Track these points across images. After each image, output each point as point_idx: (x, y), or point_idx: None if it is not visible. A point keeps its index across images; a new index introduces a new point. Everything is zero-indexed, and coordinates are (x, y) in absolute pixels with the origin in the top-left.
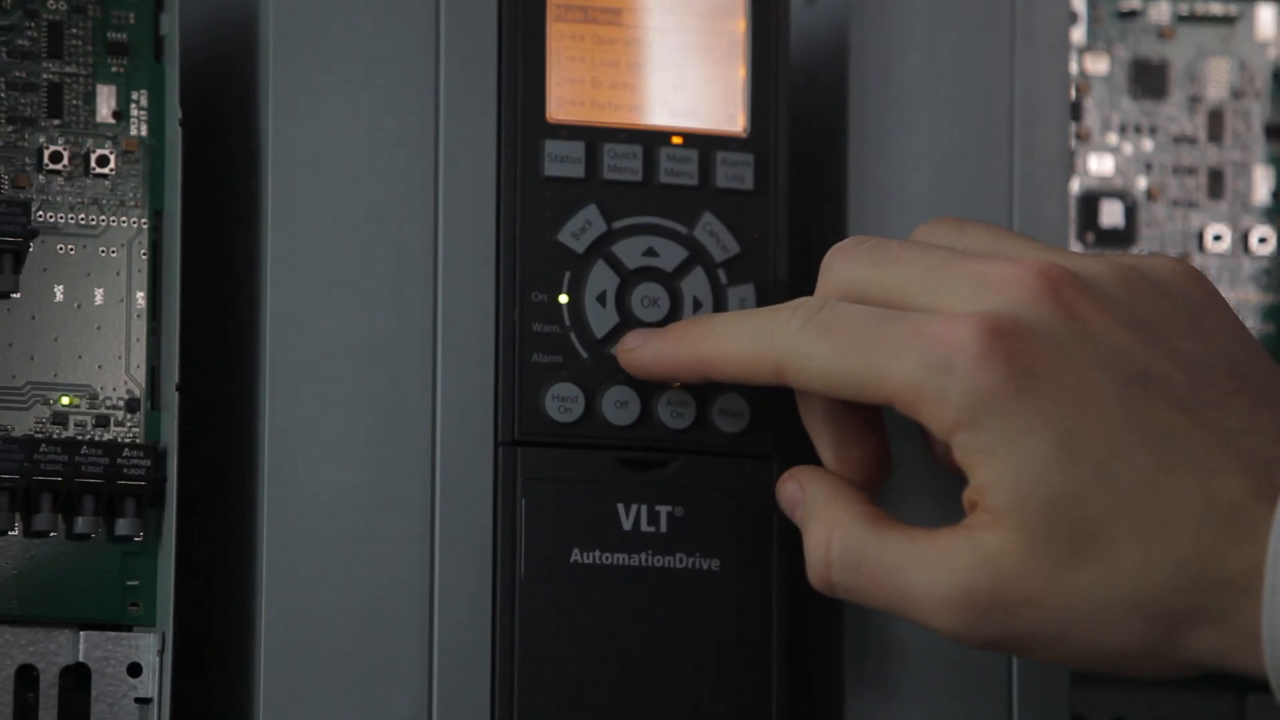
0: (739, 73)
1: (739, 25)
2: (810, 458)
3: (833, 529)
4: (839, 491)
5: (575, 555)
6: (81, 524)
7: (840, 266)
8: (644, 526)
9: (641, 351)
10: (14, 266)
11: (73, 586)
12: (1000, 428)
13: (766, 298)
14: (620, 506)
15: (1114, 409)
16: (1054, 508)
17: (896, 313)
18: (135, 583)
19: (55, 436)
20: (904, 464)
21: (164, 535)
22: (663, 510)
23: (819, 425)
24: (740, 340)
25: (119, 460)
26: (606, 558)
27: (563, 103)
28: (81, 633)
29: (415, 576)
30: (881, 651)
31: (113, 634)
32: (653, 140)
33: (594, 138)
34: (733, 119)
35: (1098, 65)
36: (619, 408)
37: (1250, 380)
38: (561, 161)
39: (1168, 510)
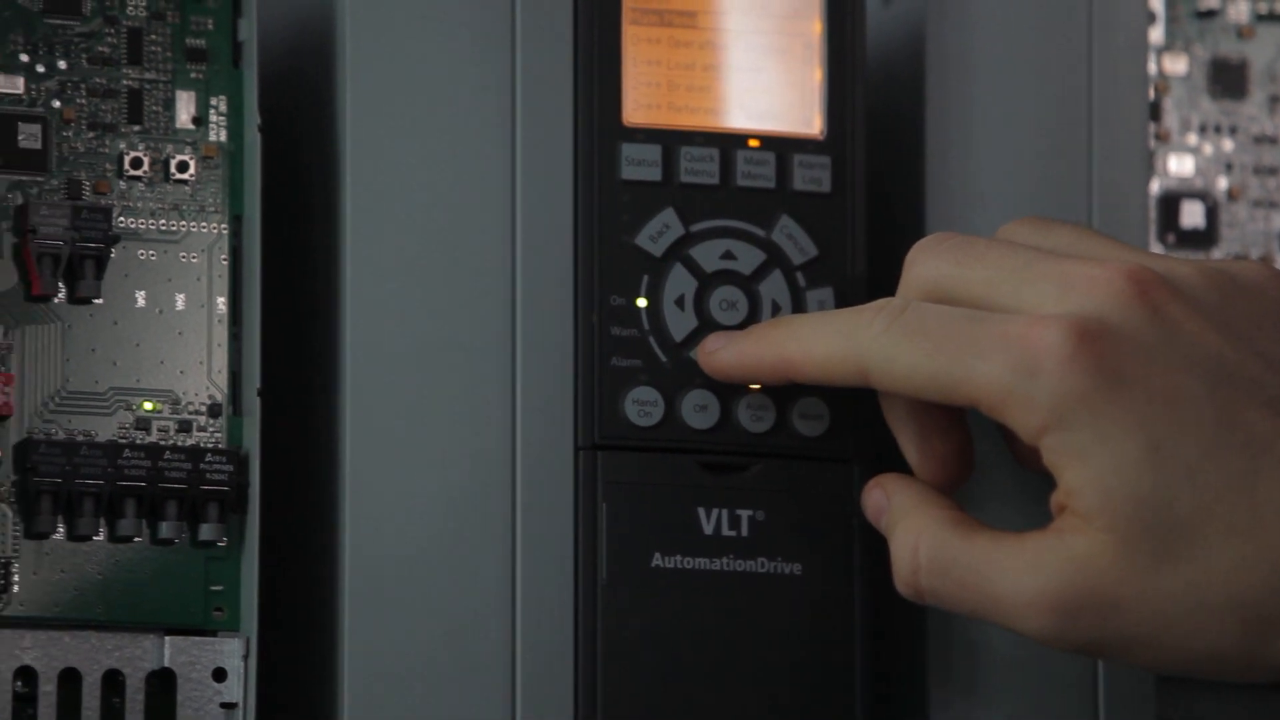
0: (815, 75)
1: (815, 27)
2: (892, 460)
3: (919, 535)
4: (925, 497)
5: (656, 559)
6: (165, 529)
7: (924, 263)
8: (725, 531)
9: (723, 354)
10: (96, 273)
11: (157, 592)
12: (1089, 430)
13: (845, 300)
14: (701, 510)
15: (1204, 410)
16: (1145, 510)
17: (982, 314)
18: (219, 588)
19: (138, 442)
20: (986, 467)
21: (247, 540)
22: (743, 514)
23: (902, 423)
24: (824, 342)
25: (202, 465)
26: (687, 562)
27: (639, 106)
28: (167, 638)
29: (497, 581)
30: (966, 654)
31: (197, 639)
32: (730, 143)
33: (671, 141)
34: (809, 121)
35: (1176, 65)
36: (699, 411)
37: None
38: (638, 165)
39: (1260, 511)
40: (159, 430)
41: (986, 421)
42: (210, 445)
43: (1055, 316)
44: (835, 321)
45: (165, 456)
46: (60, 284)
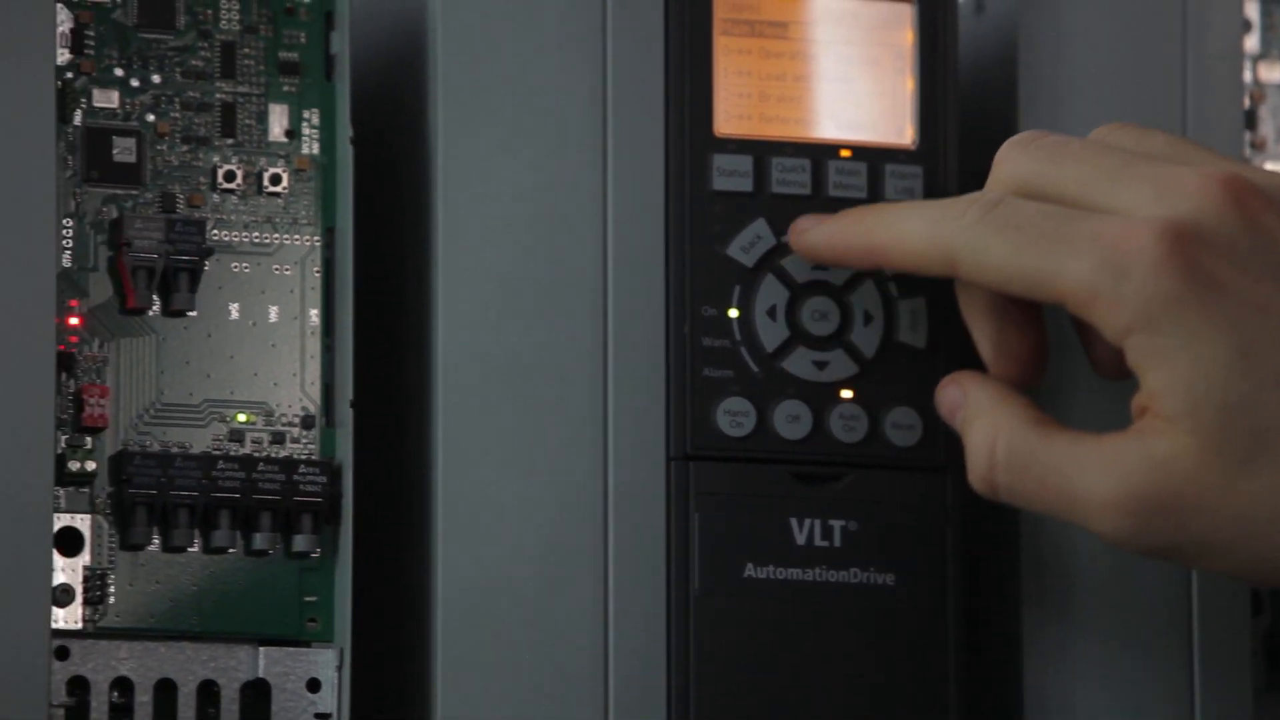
0: (907, 84)
1: (907, 37)
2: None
3: (998, 431)
4: (1003, 394)
5: (749, 570)
6: (259, 540)
7: (1015, 160)
8: (817, 541)
9: (813, 234)
10: (190, 285)
11: (251, 603)
12: (1177, 333)
13: (937, 311)
14: (793, 521)
15: None
16: (1229, 414)
17: (1075, 212)
18: (313, 599)
19: (232, 454)
20: (1063, 374)
21: (340, 551)
22: (836, 524)
23: (980, 317)
24: (915, 229)
25: (295, 476)
26: (780, 572)
27: (730, 117)
28: (261, 649)
29: (589, 592)
30: (1059, 578)
31: (292, 649)
32: (821, 153)
33: (762, 151)
34: (901, 131)
35: (1272, 74)
36: (791, 422)
37: None
38: (730, 175)
39: None
40: (253, 442)
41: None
42: (303, 457)
43: (1149, 219)
44: (928, 210)
45: (259, 468)
46: (155, 297)
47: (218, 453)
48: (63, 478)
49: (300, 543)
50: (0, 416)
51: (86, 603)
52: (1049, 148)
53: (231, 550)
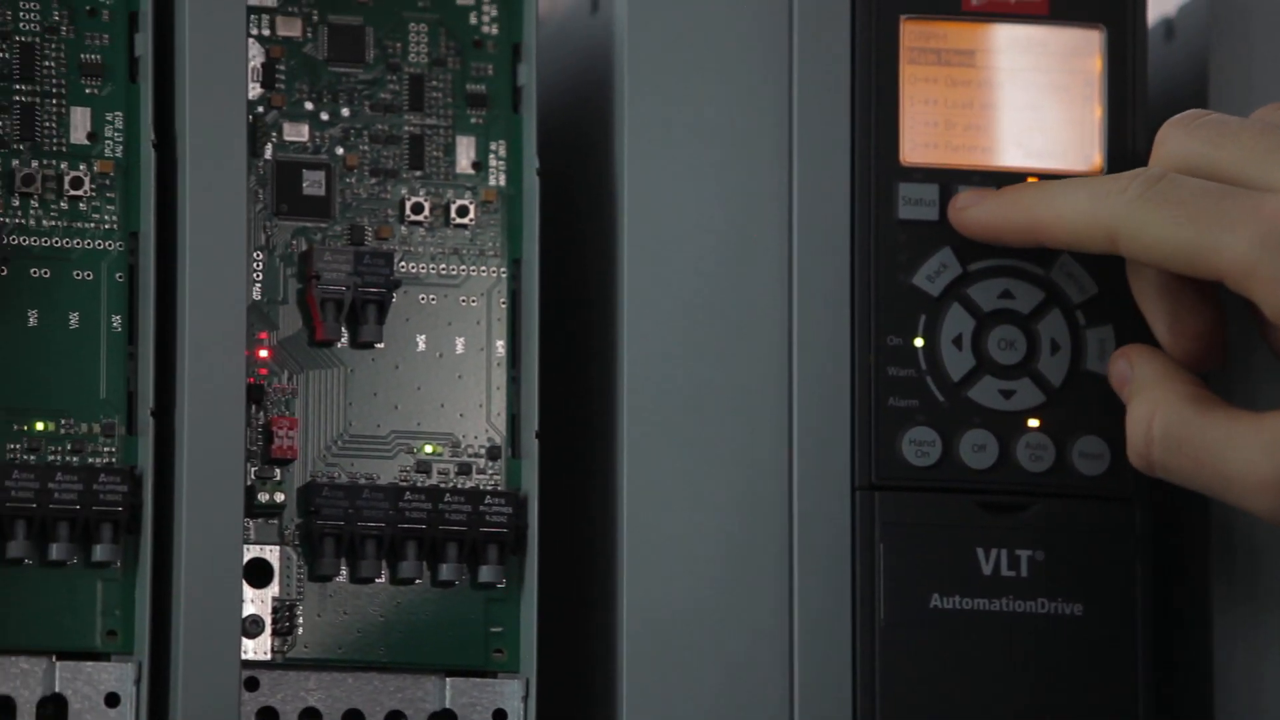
0: (1095, 112)
1: (1095, 64)
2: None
3: (1156, 407)
4: (1167, 370)
5: (935, 600)
6: (446, 571)
7: (1177, 140)
8: (1004, 571)
9: (974, 211)
10: (378, 317)
11: (438, 633)
12: None
13: (1126, 339)
14: (980, 551)
15: None
16: None
17: (1236, 189)
18: (499, 629)
19: (419, 485)
20: (1239, 351)
21: (526, 582)
22: (1023, 554)
23: (1153, 296)
24: (1076, 204)
25: (481, 508)
26: (966, 603)
27: (916, 145)
28: (447, 679)
29: (775, 622)
30: (1249, 556)
31: (478, 680)
32: (1008, 181)
33: (948, 180)
34: (1089, 159)
35: None
36: (977, 451)
37: None
38: (916, 204)
39: None
40: (439, 473)
41: (1238, 306)
42: (490, 488)
43: None
44: (1089, 186)
45: (445, 499)
46: (343, 329)
47: (404, 484)
48: (252, 509)
49: (486, 573)
50: (191, 448)
51: (275, 634)
52: (1209, 126)
53: (418, 581)
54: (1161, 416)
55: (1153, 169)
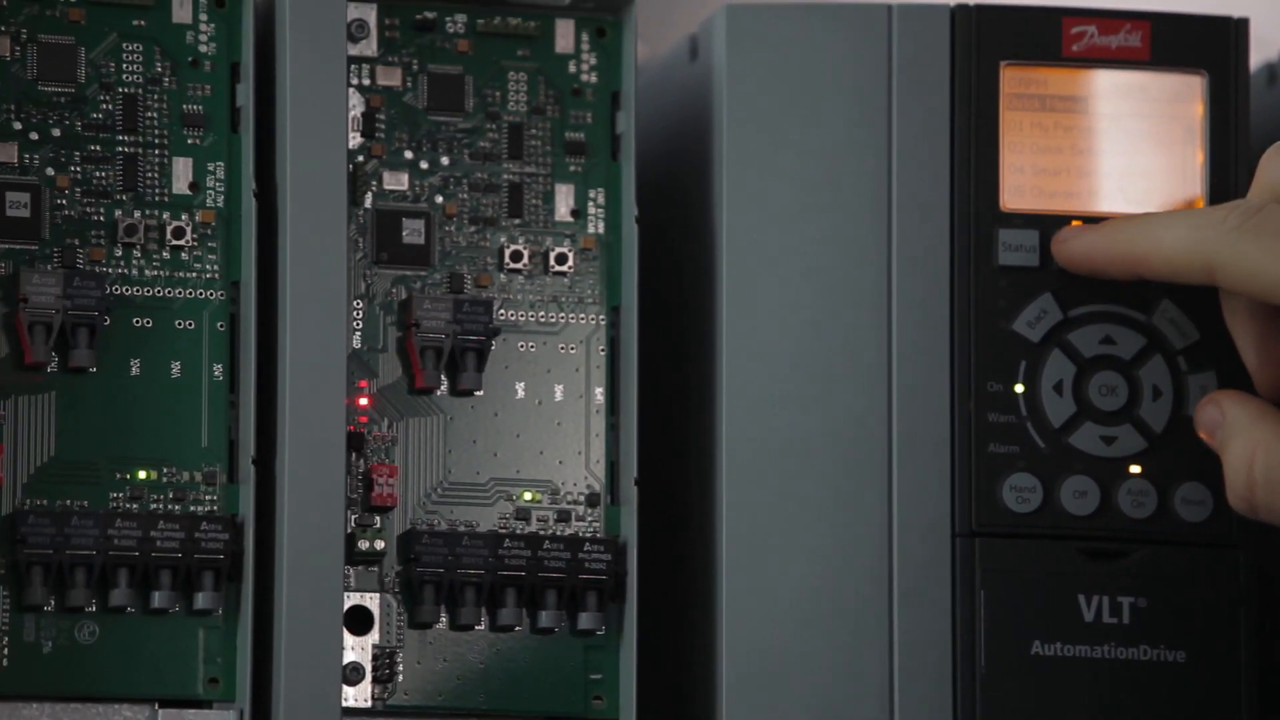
0: (1197, 157)
1: (1197, 109)
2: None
3: (1255, 449)
4: (1262, 412)
5: (1036, 647)
6: (545, 618)
7: (1277, 168)
8: (1106, 618)
9: (1074, 243)
10: (477, 365)
11: (537, 680)
12: None
13: (1228, 385)
14: (1081, 597)
15: None
16: None
17: None
18: (598, 676)
19: (518, 532)
20: None
21: (625, 629)
22: (1125, 601)
23: (1245, 326)
24: (1175, 236)
25: (580, 554)
26: (1068, 650)
27: (1016, 191)
28: None
29: (875, 668)
30: None
31: None
32: None
33: (1048, 226)
34: (1190, 204)
35: None
36: (1078, 498)
37: None
38: (1016, 250)
39: None
40: (538, 520)
41: None
42: (589, 535)
43: None
44: (1189, 218)
45: (545, 546)
46: (442, 377)
47: (504, 531)
48: (352, 557)
49: (586, 620)
50: (292, 496)
51: (375, 681)
52: None
53: (518, 628)
54: (1263, 458)
55: (1252, 199)
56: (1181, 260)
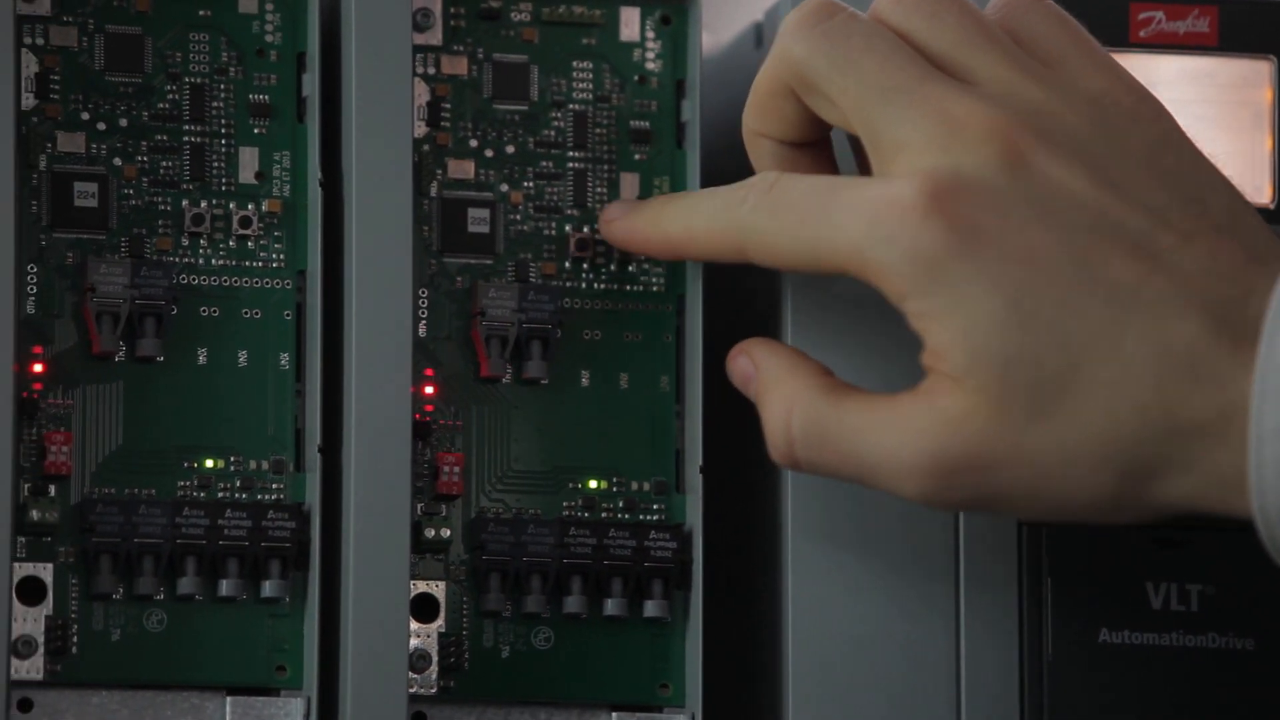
0: (1266, 143)
1: (1265, 95)
2: None
3: (792, 403)
4: (795, 364)
5: (1103, 635)
6: (611, 606)
7: (798, 44)
8: (1174, 605)
9: (618, 224)
10: (543, 354)
11: (603, 668)
12: (948, 293)
13: None
14: (1149, 585)
15: (1064, 264)
16: (1011, 369)
17: (840, 182)
18: (664, 663)
19: (584, 519)
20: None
21: (691, 616)
22: (1193, 589)
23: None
24: (704, 220)
25: (646, 542)
26: (1135, 637)
27: None
28: (614, 714)
29: (942, 655)
30: None
31: (644, 714)
32: None
33: None
34: (1259, 190)
35: None
36: None
37: (1207, 216)
38: None
39: (1127, 362)
40: (604, 508)
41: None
42: (654, 522)
43: (910, 177)
44: (713, 199)
45: (610, 534)
46: (508, 365)
47: (569, 519)
48: (418, 545)
49: (651, 608)
50: (358, 485)
51: (442, 668)
52: (834, 38)
53: (583, 615)
54: (800, 412)
55: (766, 175)
56: (714, 244)
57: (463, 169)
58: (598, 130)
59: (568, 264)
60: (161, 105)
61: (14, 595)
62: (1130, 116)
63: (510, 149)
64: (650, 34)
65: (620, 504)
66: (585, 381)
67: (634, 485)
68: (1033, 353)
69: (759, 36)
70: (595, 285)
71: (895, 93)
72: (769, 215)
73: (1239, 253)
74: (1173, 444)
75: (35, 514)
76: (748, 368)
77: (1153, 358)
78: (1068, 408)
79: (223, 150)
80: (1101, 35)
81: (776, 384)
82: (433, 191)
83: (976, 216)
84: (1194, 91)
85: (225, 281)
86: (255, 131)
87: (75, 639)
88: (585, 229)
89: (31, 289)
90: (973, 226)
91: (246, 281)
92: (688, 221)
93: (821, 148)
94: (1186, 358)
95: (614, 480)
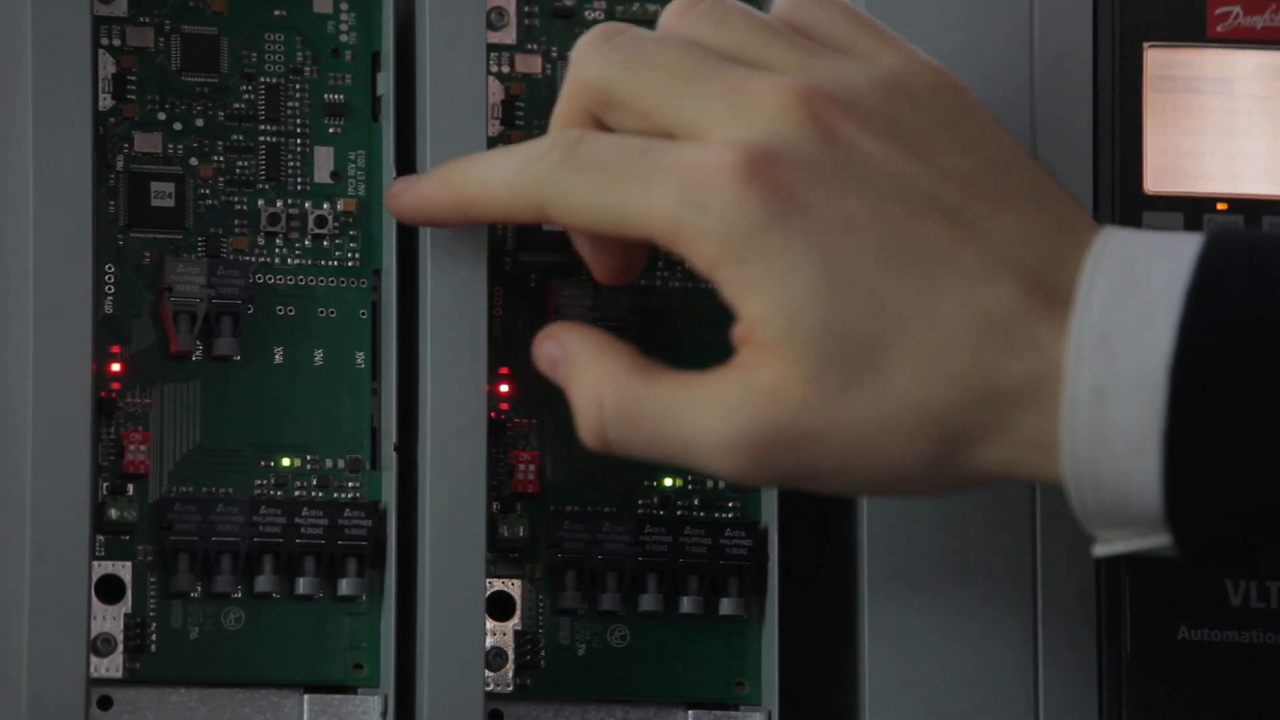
0: None
1: None
2: None
3: (603, 386)
4: (603, 345)
5: (1183, 632)
6: (686, 604)
7: (589, 64)
8: (1253, 602)
9: (405, 197)
10: None
11: (680, 665)
12: (763, 262)
13: None
14: (1228, 582)
15: (880, 233)
16: (827, 338)
17: (653, 143)
18: (741, 661)
19: (661, 517)
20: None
21: (767, 614)
22: (1273, 585)
23: (586, 246)
24: (501, 178)
25: (721, 540)
26: (1215, 634)
27: (1160, 174)
28: (690, 712)
29: (1020, 655)
30: None
31: (720, 712)
32: (1255, 209)
33: (1193, 209)
34: None
35: None
36: None
37: (1015, 185)
38: None
39: (941, 329)
40: (680, 507)
41: None
42: (729, 519)
43: (724, 144)
44: (511, 156)
45: (686, 531)
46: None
47: (646, 516)
48: (494, 543)
49: (727, 606)
50: (434, 483)
51: (518, 666)
52: (625, 49)
53: (658, 613)
54: (610, 394)
55: (571, 130)
56: (511, 201)
57: None
58: None
59: (660, 261)
60: (237, 105)
61: (93, 593)
62: (930, 89)
63: None
64: None
65: (696, 501)
66: None
67: (708, 483)
68: (849, 322)
69: None
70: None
71: (695, 79)
72: (575, 174)
73: (1048, 220)
74: (988, 410)
75: (114, 513)
76: (554, 351)
77: (967, 324)
78: (884, 376)
79: (298, 150)
80: (1178, 31)
81: (586, 366)
82: None
83: (793, 184)
84: (1273, 86)
85: (301, 280)
86: (330, 131)
87: (154, 637)
88: None
89: (109, 289)
90: (789, 194)
91: (322, 280)
92: (483, 180)
93: None
94: (1000, 324)
95: (688, 478)
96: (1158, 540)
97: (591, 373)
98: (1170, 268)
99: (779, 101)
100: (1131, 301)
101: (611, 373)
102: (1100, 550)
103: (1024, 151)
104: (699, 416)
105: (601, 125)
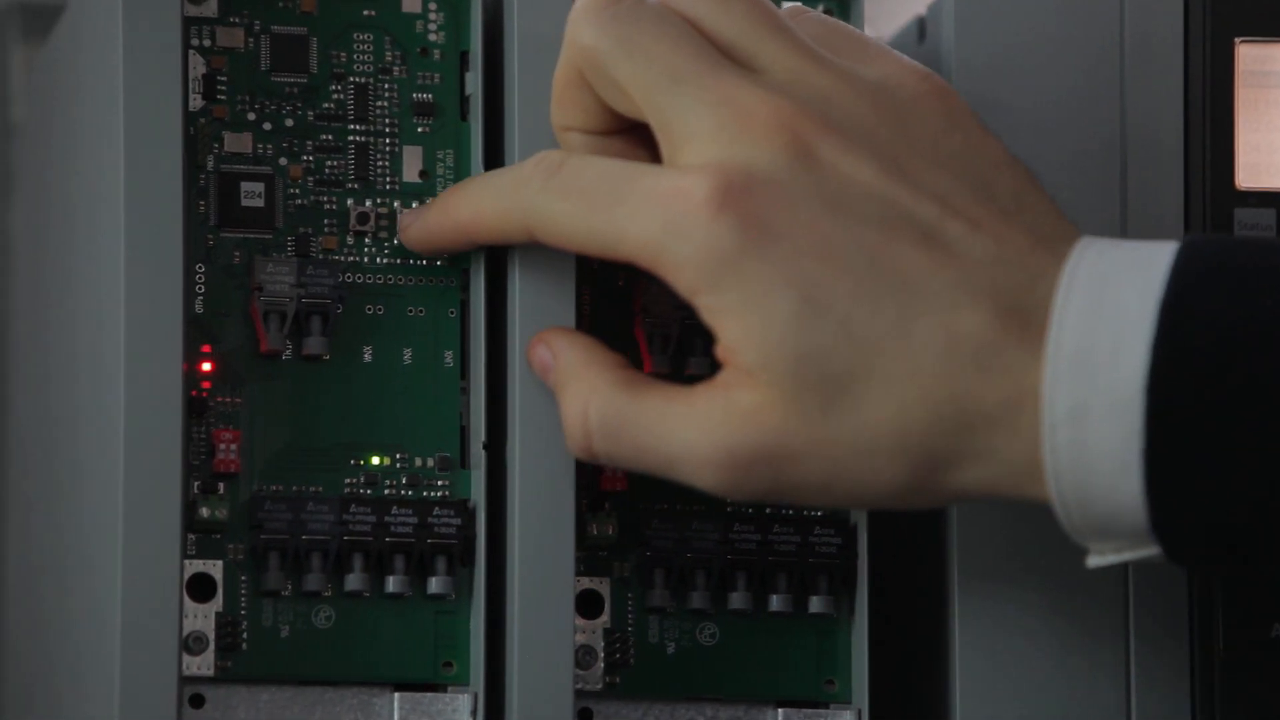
0: None
1: None
2: None
3: (589, 396)
4: (592, 356)
5: (1276, 629)
6: (776, 602)
7: (585, 31)
8: None
9: (413, 229)
10: (704, 350)
11: (769, 664)
12: (740, 289)
13: None
14: None
15: (855, 259)
16: (803, 364)
17: (634, 168)
18: (830, 659)
19: (749, 514)
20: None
21: (857, 612)
22: None
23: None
24: (491, 202)
25: (810, 538)
26: None
27: (1252, 170)
28: (780, 710)
29: (1111, 651)
30: None
31: (810, 710)
32: None
33: None
34: None
35: None
36: None
37: (994, 201)
38: (1252, 229)
39: (915, 357)
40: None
41: None
42: (818, 517)
43: (701, 171)
44: (499, 180)
45: (774, 529)
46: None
47: (733, 513)
48: (582, 541)
49: (816, 604)
50: (523, 481)
51: (608, 664)
52: (622, 23)
53: (748, 611)
54: (597, 406)
55: (551, 154)
56: (502, 227)
57: None
58: None
59: None
60: (326, 105)
61: (185, 592)
62: (915, 98)
63: None
64: None
65: None
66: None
67: None
68: (825, 347)
69: (922, 31)
70: None
71: (684, 82)
72: (557, 197)
73: (1025, 237)
74: (963, 436)
75: (205, 511)
76: (546, 357)
77: (941, 350)
78: (860, 401)
79: (387, 149)
80: (1270, 26)
81: (574, 376)
82: None
83: (767, 212)
84: None
85: (390, 280)
86: (419, 130)
87: (245, 635)
88: None
89: (200, 288)
90: (763, 223)
91: (411, 280)
92: (476, 206)
93: (635, 133)
94: (973, 349)
95: None
96: (1149, 551)
97: (578, 384)
98: (1143, 281)
99: (764, 124)
100: (1105, 319)
101: (596, 385)
102: (1093, 561)
103: (1008, 158)
104: (682, 432)
105: (594, 89)
